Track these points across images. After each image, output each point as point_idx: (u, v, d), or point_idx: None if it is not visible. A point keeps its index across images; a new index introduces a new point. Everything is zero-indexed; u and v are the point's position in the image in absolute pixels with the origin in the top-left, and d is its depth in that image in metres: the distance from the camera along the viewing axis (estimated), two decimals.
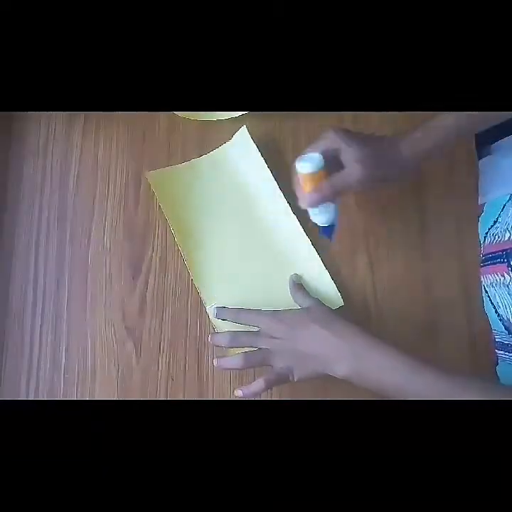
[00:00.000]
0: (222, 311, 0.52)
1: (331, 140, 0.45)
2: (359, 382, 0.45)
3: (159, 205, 0.58)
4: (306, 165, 0.44)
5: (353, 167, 0.44)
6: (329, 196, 0.45)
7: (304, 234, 0.55)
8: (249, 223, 0.57)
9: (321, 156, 0.44)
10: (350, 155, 0.44)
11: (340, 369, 0.45)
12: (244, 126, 0.58)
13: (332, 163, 0.45)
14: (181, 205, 0.58)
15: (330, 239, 0.51)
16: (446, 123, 0.46)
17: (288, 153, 0.59)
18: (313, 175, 0.44)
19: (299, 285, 0.54)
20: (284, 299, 0.54)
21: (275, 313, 0.49)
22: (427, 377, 0.41)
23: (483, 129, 0.49)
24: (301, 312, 0.49)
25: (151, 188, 0.58)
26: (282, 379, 0.47)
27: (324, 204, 0.46)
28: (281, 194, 0.55)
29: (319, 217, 0.48)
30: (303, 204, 0.46)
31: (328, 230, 0.49)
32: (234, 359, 0.49)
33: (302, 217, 0.54)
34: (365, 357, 0.44)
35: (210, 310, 0.54)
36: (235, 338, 0.50)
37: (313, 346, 0.46)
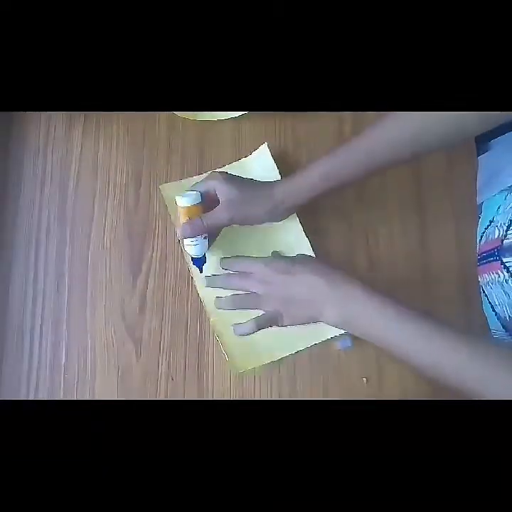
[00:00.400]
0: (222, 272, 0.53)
1: (211, 181, 0.50)
2: (348, 329, 0.46)
3: (159, 205, 0.58)
4: (184, 199, 0.49)
5: (222, 207, 0.49)
6: (199, 230, 0.49)
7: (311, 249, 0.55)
8: (257, 236, 0.56)
9: (199, 194, 0.50)
10: (222, 196, 0.49)
11: (330, 315, 0.45)
12: (266, 143, 0.58)
13: (212, 203, 0.49)
14: None
15: (200, 270, 0.53)
16: (317, 171, 0.48)
17: (289, 155, 0.59)
18: (188, 208, 0.49)
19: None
20: None
21: (269, 259, 0.49)
22: (412, 330, 0.42)
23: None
24: (295, 262, 0.49)
25: (164, 200, 0.58)
26: (272, 321, 0.48)
27: (196, 237, 0.50)
28: (296, 214, 0.55)
29: (191, 248, 0.51)
30: (178, 234, 0.50)
31: (198, 261, 0.53)
32: (223, 301, 0.50)
33: (313, 237, 0.55)
34: (355, 304, 0.44)
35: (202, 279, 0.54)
36: (228, 280, 0.51)
37: (305, 292, 0.46)
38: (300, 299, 0.47)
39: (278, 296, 0.48)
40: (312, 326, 0.49)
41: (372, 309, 0.44)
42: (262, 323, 0.48)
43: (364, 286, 0.45)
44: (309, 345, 0.53)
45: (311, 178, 0.49)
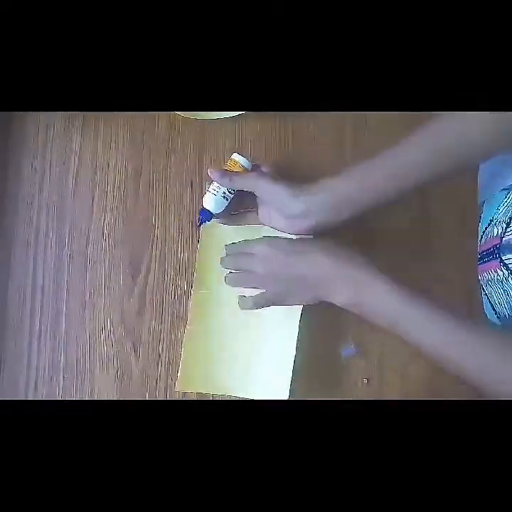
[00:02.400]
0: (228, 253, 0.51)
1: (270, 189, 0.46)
2: (356, 311, 0.44)
3: (158, 205, 0.58)
4: (242, 158, 0.49)
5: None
6: (225, 182, 0.47)
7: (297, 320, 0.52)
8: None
9: (250, 164, 0.50)
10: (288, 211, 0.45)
11: (340, 297, 0.44)
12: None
13: (249, 196, 0.48)
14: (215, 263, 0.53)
15: (200, 223, 0.51)
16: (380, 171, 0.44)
17: (289, 155, 0.59)
18: (236, 162, 0.49)
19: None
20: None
21: (273, 239, 0.48)
22: (418, 314, 0.42)
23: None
24: (299, 240, 0.47)
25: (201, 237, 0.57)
26: (270, 301, 0.47)
27: (220, 192, 0.49)
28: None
29: (208, 198, 0.50)
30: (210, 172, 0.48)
31: (205, 214, 0.50)
32: (226, 277, 0.49)
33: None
34: (365, 288, 0.43)
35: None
36: (233, 260, 0.50)
37: (312, 273, 0.45)
38: (305, 279, 0.45)
39: (281, 275, 0.46)
40: (271, 378, 0.51)
41: (382, 291, 0.42)
42: (259, 303, 0.47)
43: (371, 267, 0.44)
44: (262, 398, 0.51)
45: (374, 179, 0.45)
